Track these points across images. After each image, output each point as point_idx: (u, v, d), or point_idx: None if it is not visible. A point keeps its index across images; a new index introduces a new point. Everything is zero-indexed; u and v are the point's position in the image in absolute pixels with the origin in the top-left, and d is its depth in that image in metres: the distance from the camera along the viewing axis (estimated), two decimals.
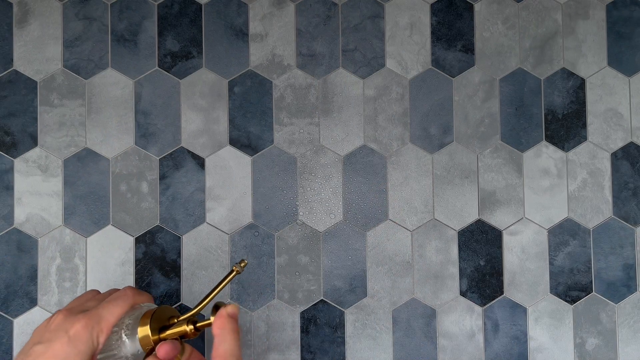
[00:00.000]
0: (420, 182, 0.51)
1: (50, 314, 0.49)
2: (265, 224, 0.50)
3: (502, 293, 0.51)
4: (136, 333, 0.35)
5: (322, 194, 0.51)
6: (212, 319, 0.35)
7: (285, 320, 0.50)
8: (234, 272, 0.37)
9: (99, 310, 0.35)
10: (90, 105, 0.51)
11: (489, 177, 0.51)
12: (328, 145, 0.51)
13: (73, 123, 0.50)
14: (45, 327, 0.35)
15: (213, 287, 0.39)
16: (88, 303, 0.37)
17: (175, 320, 0.37)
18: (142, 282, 0.50)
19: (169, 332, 0.36)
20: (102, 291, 0.50)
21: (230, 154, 0.51)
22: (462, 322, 0.50)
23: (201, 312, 0.38)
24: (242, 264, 0.37)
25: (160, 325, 0.36)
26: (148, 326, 0.35)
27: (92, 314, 0.34)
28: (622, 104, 0.52)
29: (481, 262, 0.51)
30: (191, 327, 0.36)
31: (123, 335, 0.35)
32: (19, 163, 0.50)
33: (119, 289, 0.39)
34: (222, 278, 0.37)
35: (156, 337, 0.35)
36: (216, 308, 0.36)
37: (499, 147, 0.51)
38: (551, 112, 0.52)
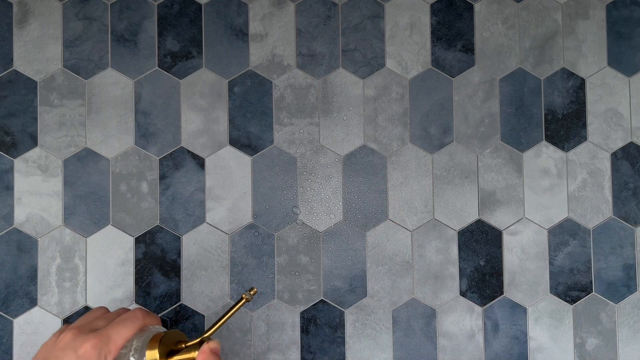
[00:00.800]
0: (420, 182, 0.51)
1: (50, 314, 0.49)
2: (265, 224, 0.50)
3: (502, 293, 0.51)
4: (144, 356, 0.35)
5: (322, 194, 0.51)
6: (195, 353, 0.36)
7: (285, 320, 0.50)
8: (243, 300, 0.37)
9: (108, 330, 0.35)
10: (90, 105, 0.51)
11: (489, 177, 0.51)
12: (328, 145, 0.51)
13: (73, 123, 0.50)
14: (54, 344, 0.34)
15: (222, 314, 0.39)
16: (97, 322, 0.37)
17: (183, 345, 0.37)
18: (142, 282, 0.50)
19: (176, 357, 0.36)
20: (104, 295, 0.50)
21: (230, 154, 0.51)
22: (462, 322, 0.50)
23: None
24: (252, 292, 0.37)
25: (168, 349, 0.36)
26: (157, 350, 0.35)
27: (101, 335, 0.34)
28: (622, 104, 0.52)
29: (481, 262, 0.51)
30: (196, 353, 0.36)
31: (131, 357, 0.35)
32: (19, 163, 0.50)
33: (128, 309, 0.39)
34: (231, 306, 0.38)
35: None
36: (201, 343, 0.36)
37: (499, 147, 0.51)
38: (551, 112, 0.52)
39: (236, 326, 0.50)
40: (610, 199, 0.51)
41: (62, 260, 0.49)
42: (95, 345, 0.33)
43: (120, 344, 0.35)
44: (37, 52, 0.51)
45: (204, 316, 0.50)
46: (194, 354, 0.36)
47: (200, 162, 0.50)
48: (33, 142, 0.50)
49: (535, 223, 0.51)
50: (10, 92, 0.50)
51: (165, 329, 0.38)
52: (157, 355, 0.35)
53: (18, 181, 0.50)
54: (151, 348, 0.35)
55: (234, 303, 0.42)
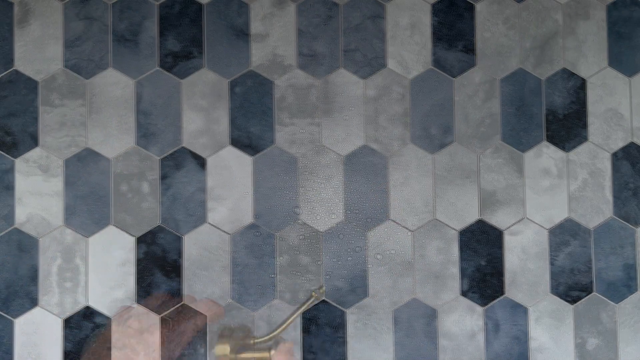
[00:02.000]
0: (421, 182, 0.51)
1: (51, 314, 0.49)
2: (266, 224, 0.50)
3: (502, 293, 0.51)
4: (212, 348, 0.34)
5: (323, 194, 0.51)
6: (268, 354, 0.35)
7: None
8: (313, 298, 0.37)
9: None
10: (91, 105, 0.51)
11: (489, 177, 0.51)
12: (329, 145, 0.51)
13: (74, 123, 0.50)
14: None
15: (291, 312, 0.39)
16: None
17: (252, 342, 0.36)
18: (143, 282, 0.50)
19: (247, 355, 0.35)
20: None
21: (231, 154, 0.51)
22: (462, 322, 0.50)
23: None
24: (321, 290, 0.37)
25: (238, 344, 0.35)
26: (227, 345, 0.34)
27: None
28: (622, 104, 0.52)
29: (482, 262, 0.51)
30: (273, 352, 0.35)
31: (200, 349, 0.34)
32: (19, 163, 0.50)
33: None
34: (300, 304, 0.38)
35: (233, 356, 0.35)
36: (270, 340, 0.35)
37: (499, 147, 0.52)
38: (552, 112, 0.52)
39: (237, 326, 0.50)
40: (610, 199, 0.51)
41: (63, 261, 0.49)
42: None
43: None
44: (38, 52, 0.51)
45: (205, 316, 0.50)
46: (267, 355, 0.35)
47: (201, 162, 0.50)
48: (34, 142, 0.50)
49: (535, 223, 0.51)
50: (11, 92, 0.50)
51: (231, 323, 0.38)
52: (228, 350, 0.34)
53: (19, 181, 0.50)
54: (221, 342, 0.34)
55: (303, 300, 0.41)
